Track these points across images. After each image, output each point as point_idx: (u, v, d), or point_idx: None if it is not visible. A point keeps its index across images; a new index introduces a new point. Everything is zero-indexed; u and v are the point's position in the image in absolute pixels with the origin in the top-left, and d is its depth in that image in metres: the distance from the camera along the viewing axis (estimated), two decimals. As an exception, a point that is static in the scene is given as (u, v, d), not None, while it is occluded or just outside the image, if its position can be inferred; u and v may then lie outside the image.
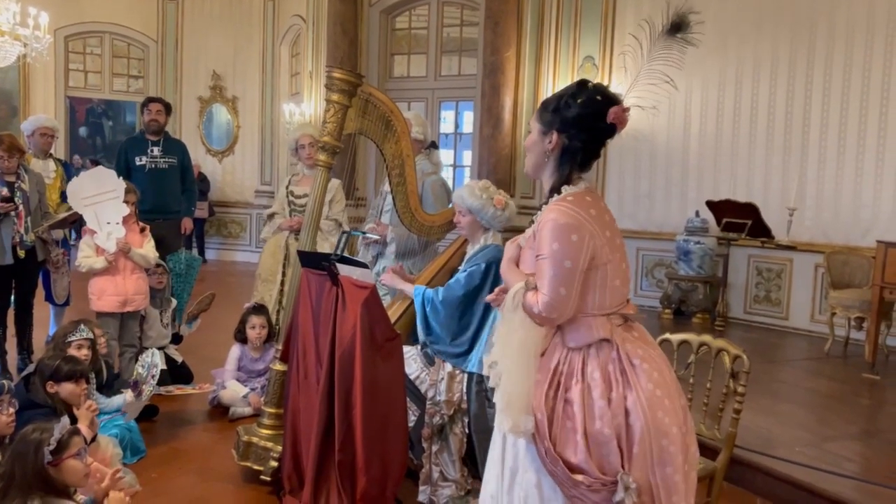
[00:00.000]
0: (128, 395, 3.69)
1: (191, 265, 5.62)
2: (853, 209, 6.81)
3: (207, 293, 5.12)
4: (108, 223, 4.25)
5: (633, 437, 1.85)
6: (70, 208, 4.60)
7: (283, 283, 4.96)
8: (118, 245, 4.27)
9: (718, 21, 7.56)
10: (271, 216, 5.30)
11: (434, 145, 4.29)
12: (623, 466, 1.84)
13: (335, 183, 5.10)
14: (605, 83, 8.79)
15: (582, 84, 1.99)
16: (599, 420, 1.84)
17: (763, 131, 7.38)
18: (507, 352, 1.94)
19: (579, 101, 1.94)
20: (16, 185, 4.66)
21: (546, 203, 1.98)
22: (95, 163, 10.95)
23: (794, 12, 7.14)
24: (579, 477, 1.83)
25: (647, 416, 1.84)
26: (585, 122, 1.95)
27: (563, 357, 1.93)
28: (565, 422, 1.87)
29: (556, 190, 1.99)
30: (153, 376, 3.73)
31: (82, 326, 3.65)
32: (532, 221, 2.03)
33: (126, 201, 4.37)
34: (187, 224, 6.06)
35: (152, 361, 3.79)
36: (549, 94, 2.07)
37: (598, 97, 1.95)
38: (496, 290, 2.07)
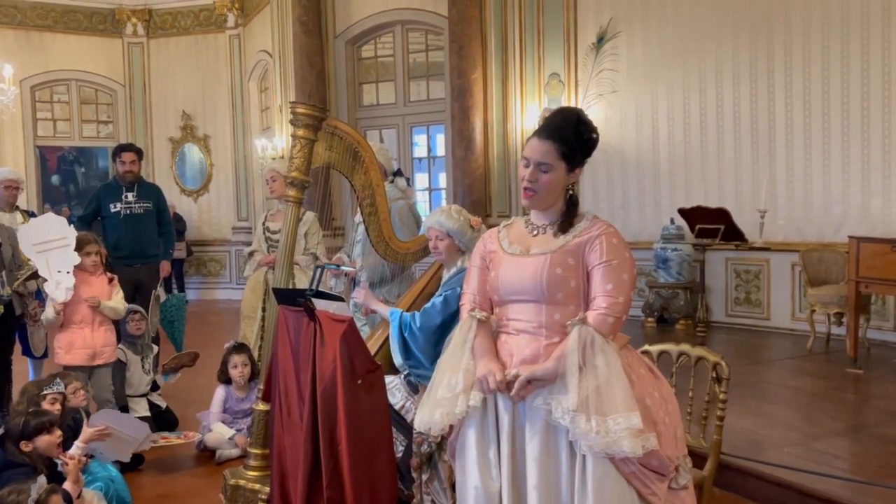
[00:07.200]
0: None
1: (179, 306, 5.64)
2: (824, 206, 6.90)
3: (190, 352, 5.05)
4: (59, 271, 4.12)
5: (676, 421, 2.07)
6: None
7: (263, 319, 4.94)
8: (89, 301, 4.19)
9: (678, 28, 7.69)
10: (251, 254, 5.33)
11: (399, 173, 4.33)
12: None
13: (310, 216, 5.11)
14: (572, 97, 8.75)
15: (580, 114, 2.13)
16: (662, 410, 2.02)
17: (730, 135, 7.48)
18: (613, 380, 1.92)
19: (594, 133, 2.11)
20: (-15, 239, 4.61)
21: (571, 220, 2.12)
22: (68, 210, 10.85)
23: (752, 14, 7.27)
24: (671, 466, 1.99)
25: (675, 402, 2.11)
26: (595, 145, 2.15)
27: None
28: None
29: (574, 206, 2.14)
30: None
31: (57, 380, 3.59)
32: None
33: (90, 252, 4.30)
34: (165, 267, 6.01)
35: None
36: (542, 123, 2.19)
37: (586, 117, 2.14)
38: (519, 382, 1.99)
